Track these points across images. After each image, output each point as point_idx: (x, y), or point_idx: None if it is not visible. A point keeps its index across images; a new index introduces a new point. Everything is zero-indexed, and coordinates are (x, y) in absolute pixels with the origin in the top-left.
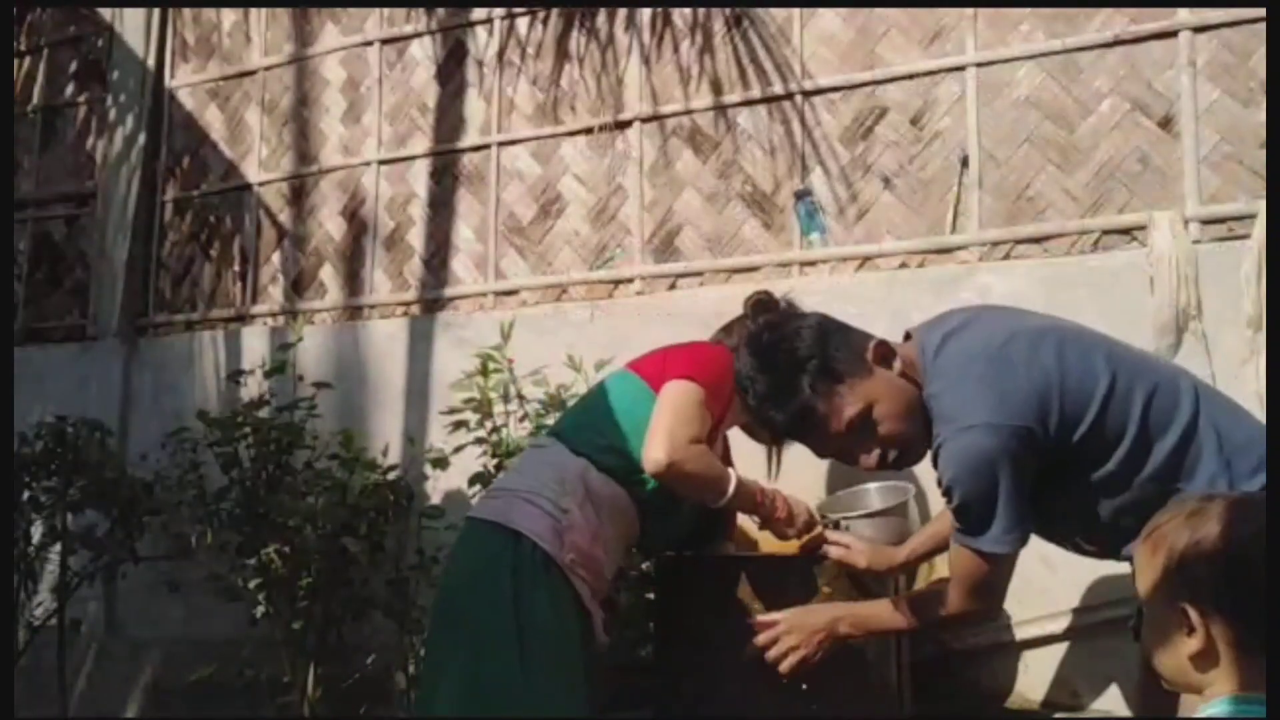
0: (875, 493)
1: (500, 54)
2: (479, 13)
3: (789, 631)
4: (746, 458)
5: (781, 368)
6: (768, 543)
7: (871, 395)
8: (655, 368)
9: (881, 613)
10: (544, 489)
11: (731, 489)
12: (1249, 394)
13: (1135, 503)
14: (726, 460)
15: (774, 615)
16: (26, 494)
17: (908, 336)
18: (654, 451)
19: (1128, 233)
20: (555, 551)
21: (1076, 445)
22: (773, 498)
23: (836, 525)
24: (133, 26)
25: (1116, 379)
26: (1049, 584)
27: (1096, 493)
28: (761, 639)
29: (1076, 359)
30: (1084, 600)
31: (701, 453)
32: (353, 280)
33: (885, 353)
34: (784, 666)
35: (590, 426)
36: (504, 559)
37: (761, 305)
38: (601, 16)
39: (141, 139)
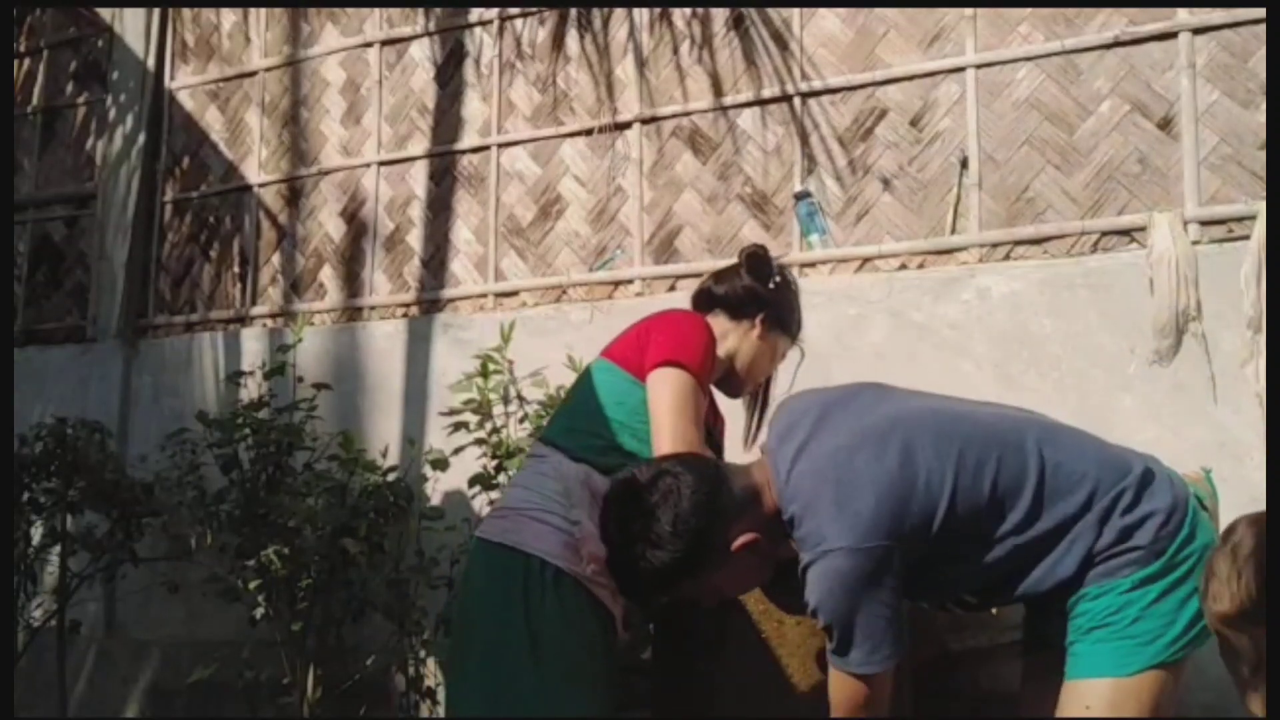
0: None
1: (499, 55)
2: (477, 14)
3: None
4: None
5: (635, 560)
6: None
7: (723, 584)
8: (632, 350)
9: None
10: (550, 504)
11: None
12: (1249, 395)
13: (1006, 562)
14: (715, 416)
15: None
16: (26, 495)
17: (764, 450)
18: (667, 452)
19: (1127, 234)
20: (572, 566)
21: (936, 536)
22: None
23: None
24: (132, 27)
25: (963, 464)
26: None
27: (964, 563)
28: None
29: (922, 453)
30: None
31: None
32: (352, 281)
33: (751, 544)
34: None
35: (582, 429)
36: (514, 577)
37: (755, 260)
38: (600, 17)
39: (141, 140)
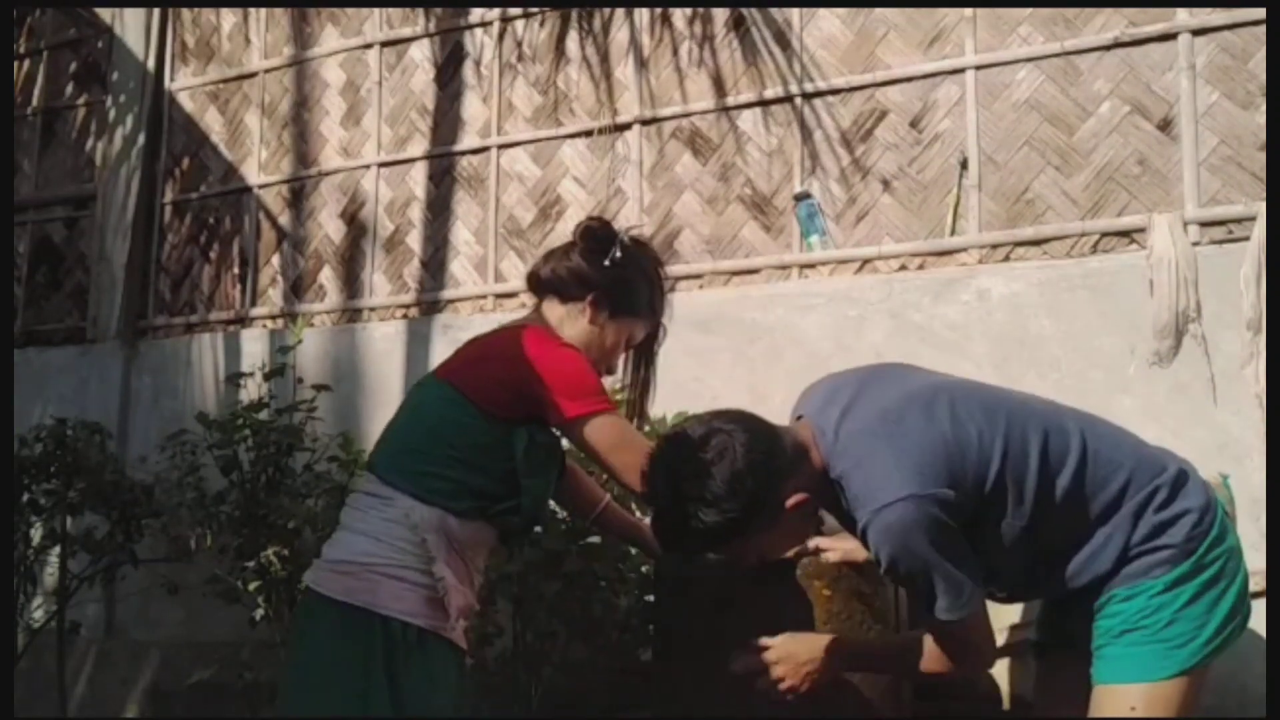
0: None
1: (499, 56)
2: (477, 15)
3: (777, 662)
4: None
5: (686, 519)
6: None
7: (769, 544)
8: (489, 384)
9: (877, 652)
10: (408, 559)
11: None
12: (1249, 396)
13: (1046, 543)
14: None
15: (766, 641)
16: (26, 496)
17: (799, 417)
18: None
19: (1127, 235)
20: (436, 624)
21: (987, 498)
22: None
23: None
24: (132, 28)
25: (1011, 429)
26: None
27: (1007, 542)
28: (744, 665)
29: (970, 417)
30: None
31: None
32: (352, 283)
33: (803, 504)
34: (771, 697)
35: (427, 470)
36: (373, 644)
37: (589, 236)
38: (600, 18)
39: (141, 141)
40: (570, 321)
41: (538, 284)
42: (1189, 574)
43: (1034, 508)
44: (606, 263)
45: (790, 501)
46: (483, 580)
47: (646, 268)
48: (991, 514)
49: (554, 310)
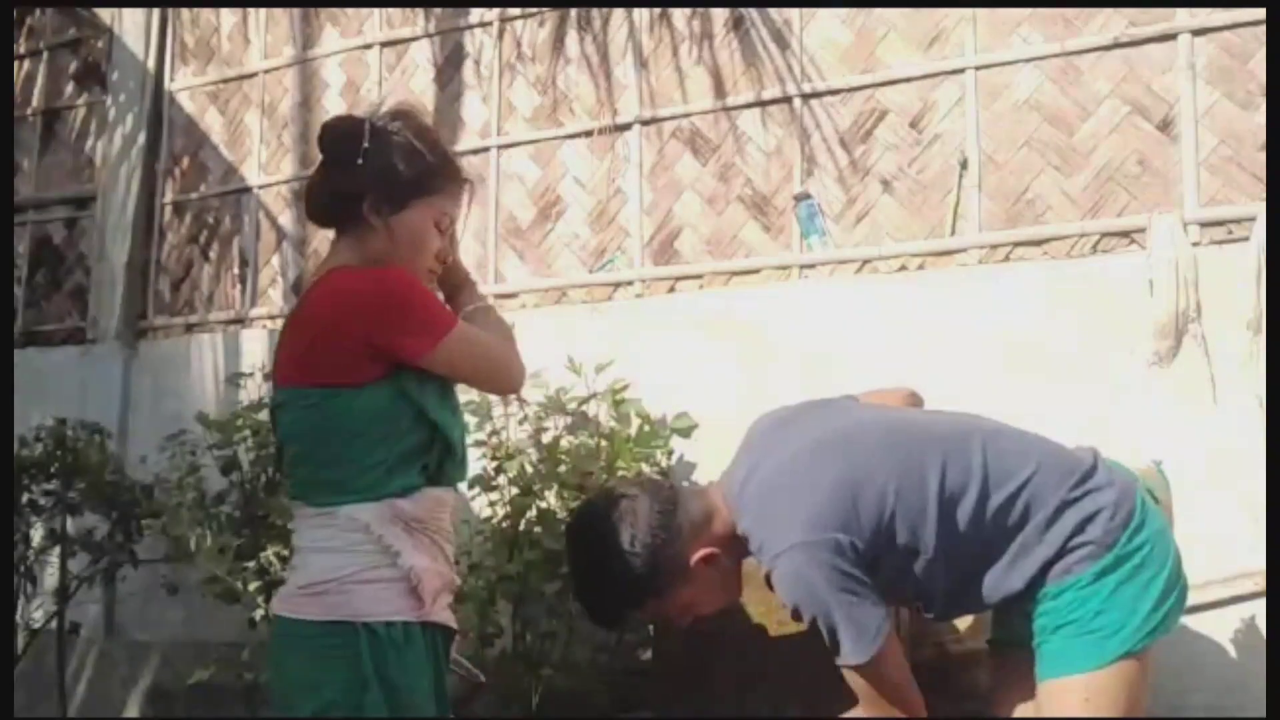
0: None
1: (499, 57)
2: (477, 15)
3: None
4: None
5: (600, 579)
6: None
7: (691, 602)
8: (333, 366)
9: None
10: (374, 560)
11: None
12: (1249, 396)
13: (955, 569)
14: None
15: None
16: (26, 497)
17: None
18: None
19: (1127, 235)
20: (417, 614)
21: (885, 530)
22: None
23: None
24: (132, 29)
25: (908, 463)
26: None
27: (920, 570)
28: None
29: (864, 456)
30: None
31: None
32: None
33: (710, 559)
34: None
35: (352, 474)
36: (360, 657)
37: (330, 141)
38: (600, 18)
39: (141, 141)
40: (364, 244)
41: (318, 222)
42: (1111, 566)
43: (938, 535)
44: (360, 161)
45: (696, 556)
46: (457, 547)
47: (406, 139)
48: (897, 545)
49: (344, 241)
